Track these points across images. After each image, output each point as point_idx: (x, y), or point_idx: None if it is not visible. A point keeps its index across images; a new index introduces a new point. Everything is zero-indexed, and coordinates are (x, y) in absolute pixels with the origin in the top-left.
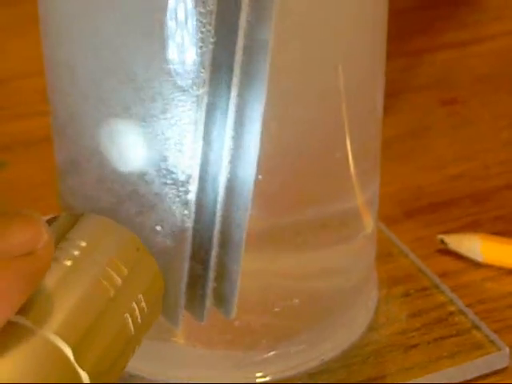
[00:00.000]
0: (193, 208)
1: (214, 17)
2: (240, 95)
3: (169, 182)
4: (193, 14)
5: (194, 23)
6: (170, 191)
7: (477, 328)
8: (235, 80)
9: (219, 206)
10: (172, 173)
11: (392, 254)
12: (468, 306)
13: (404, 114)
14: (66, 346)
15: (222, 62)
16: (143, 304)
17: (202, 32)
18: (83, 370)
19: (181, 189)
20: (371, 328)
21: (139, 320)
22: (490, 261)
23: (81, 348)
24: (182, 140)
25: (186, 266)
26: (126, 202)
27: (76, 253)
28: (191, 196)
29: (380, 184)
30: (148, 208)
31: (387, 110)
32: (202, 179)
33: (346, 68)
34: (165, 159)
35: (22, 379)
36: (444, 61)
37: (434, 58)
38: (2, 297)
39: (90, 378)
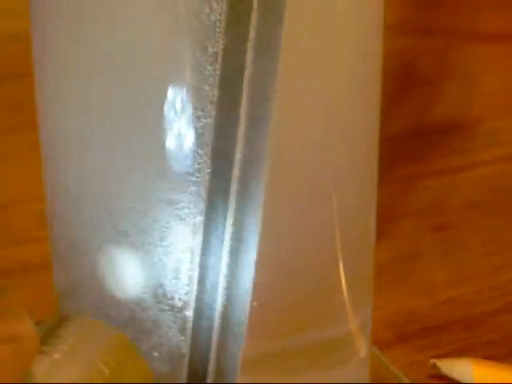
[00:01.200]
0: (189, 334)
1: (209, 149)
2: (236, 224)
3: (166, 308)
4: (189, 146)
5: (191, 155)
6: (166, 317)
7: None
8: (231, 209)
9: (215, 333)
10: (169, 299)
11: (385, 379)
12: None
13: (396, 240)
14: None
15: (218, 192)
16: None
17: (198, 163)
18: None
19: (177, 315)
20: None
21: None
22: None
23: None
24: (179, 267)
25: None
26: (123, 328)
27: (64, 347)
28: (188, 322)
29: (372, 308)
30: (145, 334)
31: (379, 235)
32: (199, 306)
33: (338, 194)
34: (162, 286)
35: None
36: (434, 187)
37: (425, 185)
38: None
39: None
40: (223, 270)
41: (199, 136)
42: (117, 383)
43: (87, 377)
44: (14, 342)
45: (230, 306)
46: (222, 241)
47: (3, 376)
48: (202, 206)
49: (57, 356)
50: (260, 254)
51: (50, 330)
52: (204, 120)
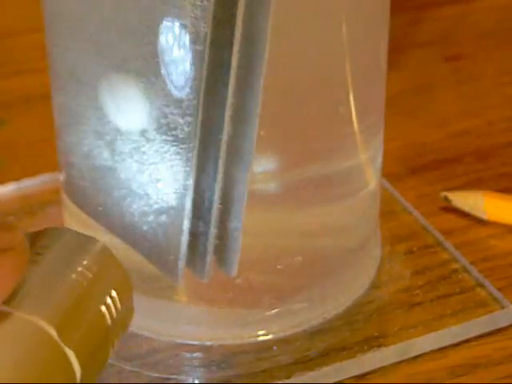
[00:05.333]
0: (194, 165)
1: None
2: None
3: (169, 139)
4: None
5: None
6: (171, 148)
7: (481, 286)
8: (237, 35)
9: (221, 162)
10: (173, 130)
11: (395, 212)
12: (472, 263)
13: (408, 70)
14: (48, 324)
15: (222, 17)
16: (117, 301)
17: None
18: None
19: (182, 146)
20: (374, 286)
21: (115, 316)
22: (493, 218)
23: (63, 329)
24: (183, 96)
25: (187, 223)
26: (127, 160)
27: (49, 256)
28: (192, 153)
29: (383, 140)
30: (149, 165)
31: (391, 65)
32: (204, 136)
33: (349, 22)
34: (165, 116)
35: (10, 361)
36: (448, 16)
37: (439, 14)
38: None
39: (77, 358)
40: (230, 98)
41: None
42: (100, 282)
43: (71, 280)
44: (9, 251)
45: (237, 135)
46: (229, 69)
47: (3, 286)
48: (207, 30)
49: (41, 263)
50: (268, 81)
51: (33, 241)
52: None
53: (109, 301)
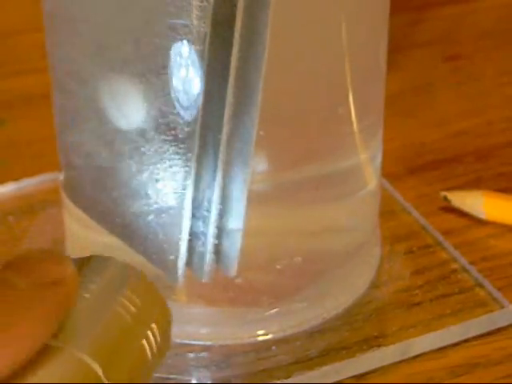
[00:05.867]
0: (193, 165)
1: None
2: (242, 48)
3: (169, 139)
4: None
5: None
6: (170, 148)
7: (480, 285)
8: (237, 35)
9: (220, 162)
10: (172, 129)
11: (395, 212)
12: (471, 263)
13: (407, 70)
14: (95, 363)
15: (222, 17)
16: (157, 334)
17: None
18: None
19: (181, 146)
20: (374, 286)
21: (154, 349)
22: (493, 218)
23: (108, 366)
24: (182, 96)
25: (187, 222)
26: (127, 160)
27: (93, 286)
28: (192, 153)
29: (383, 140)
30: (148, 165)
31: (390, 65)
32: (203, 136)
33: (349, 22)
34: (164, 116)
35: None
36: (448, 16)
37: (438, 14)
38: (40, 321)
39: None
40: (229, 96)
41: None
42: (142, 316)
43: (116, 314)
44: (59, 286)
45: (235, 134)
46: (228, 69)
47: (50, 320)
48: (206, 30)
49: (87, 295)
50: (267, 81)
51: (77, 269)
52: None
53: (149, 334)
